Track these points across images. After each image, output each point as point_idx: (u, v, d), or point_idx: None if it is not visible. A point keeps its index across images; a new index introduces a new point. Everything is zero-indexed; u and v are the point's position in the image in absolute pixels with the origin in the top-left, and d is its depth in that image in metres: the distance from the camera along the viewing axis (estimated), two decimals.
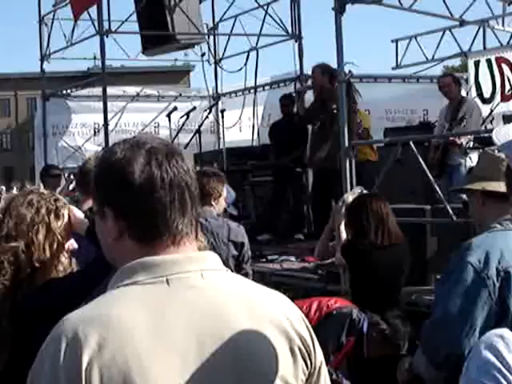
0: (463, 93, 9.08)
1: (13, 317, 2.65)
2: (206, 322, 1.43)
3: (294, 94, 9.45)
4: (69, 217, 2.84)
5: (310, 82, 9.61)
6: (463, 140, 7.73)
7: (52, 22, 11.39)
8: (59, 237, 2.78)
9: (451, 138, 7.84)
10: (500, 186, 2.73)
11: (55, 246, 2.77)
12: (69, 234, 2.84)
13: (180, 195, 1.51)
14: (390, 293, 4.84)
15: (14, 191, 16.92)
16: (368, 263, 4.75)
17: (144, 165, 1.50)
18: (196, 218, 1.55)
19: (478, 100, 9.74)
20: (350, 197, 5.52)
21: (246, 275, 4.68)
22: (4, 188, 19.71)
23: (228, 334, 1.44)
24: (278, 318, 1.50)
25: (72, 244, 2.86)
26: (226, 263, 1.60)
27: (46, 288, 2.73)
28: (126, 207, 1.51)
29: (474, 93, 10.40)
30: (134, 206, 1.51)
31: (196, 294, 1.45)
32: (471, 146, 7.60)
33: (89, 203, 4.20)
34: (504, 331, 1.42)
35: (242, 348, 1.44)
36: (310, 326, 1.56)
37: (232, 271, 1.65)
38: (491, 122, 8.92)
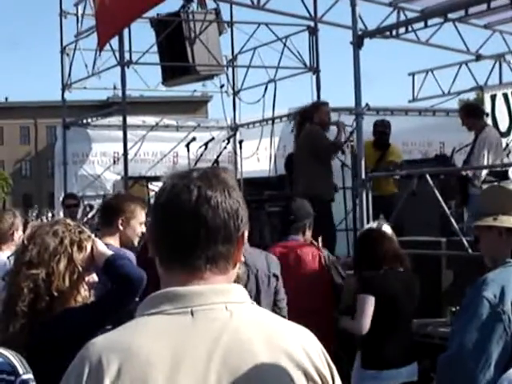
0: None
1: (29, 345, 2.64)
2: (226, 355, 1.45)
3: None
4: (92, 250, 2.88)
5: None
6: (478, 172, 7.66)
7: (74, 52, 11.54)
8: (80, 268, 2.82)
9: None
10: None
11: (75, 276, 2.80)
12: (90, 266, 2.87)
13: (207, 224, 1.50)
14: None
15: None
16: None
17: (168, 192, 1.54)
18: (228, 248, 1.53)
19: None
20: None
21: (281, 310, 4.45)
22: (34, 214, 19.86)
23: (246, 367, 1.45)
24: (297, 352, 1.49)
25: (93, 277, 2.89)
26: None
27: (62, 317, 2.75)
28: (152, 233, 1.57)
29: None
30: (156, 232, 1.56)
31: (218, 327, 1.47)
32: (486, 179, 7.56)
33: None
34: None
35: (259, 382, 1.46)
36: (330, 361, 1.55)
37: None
38: (507, 155, 8.91)
